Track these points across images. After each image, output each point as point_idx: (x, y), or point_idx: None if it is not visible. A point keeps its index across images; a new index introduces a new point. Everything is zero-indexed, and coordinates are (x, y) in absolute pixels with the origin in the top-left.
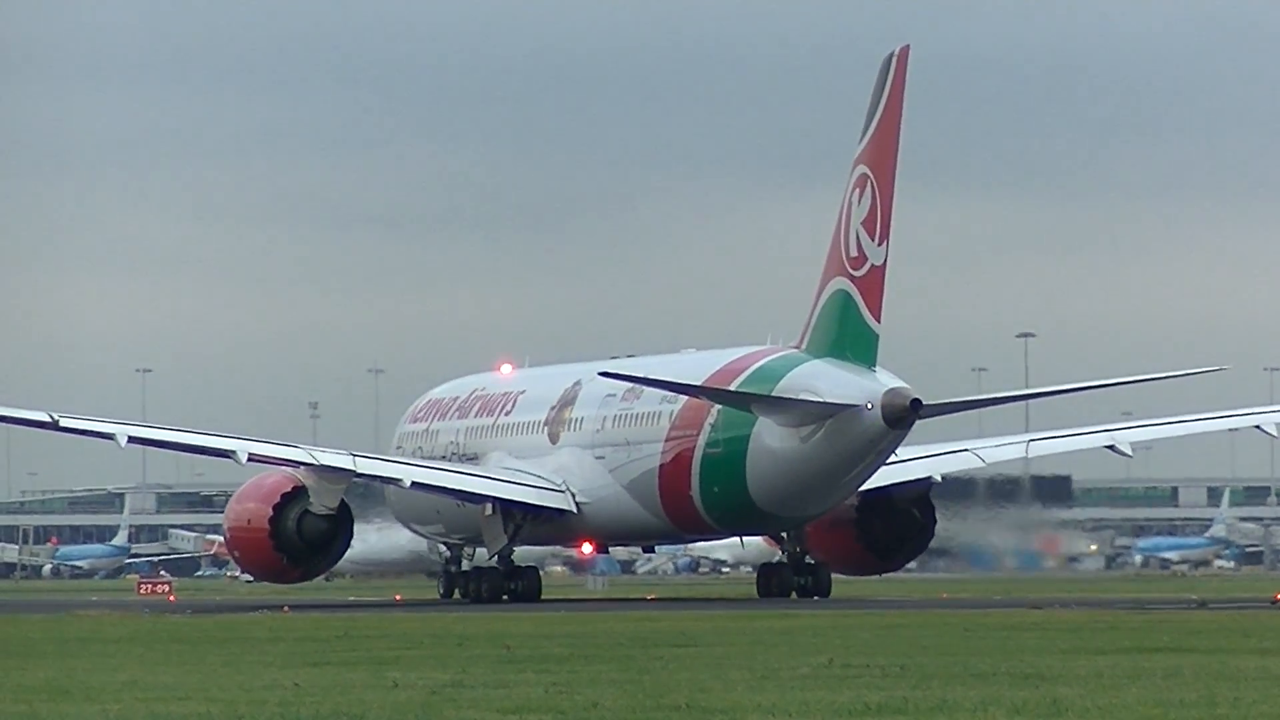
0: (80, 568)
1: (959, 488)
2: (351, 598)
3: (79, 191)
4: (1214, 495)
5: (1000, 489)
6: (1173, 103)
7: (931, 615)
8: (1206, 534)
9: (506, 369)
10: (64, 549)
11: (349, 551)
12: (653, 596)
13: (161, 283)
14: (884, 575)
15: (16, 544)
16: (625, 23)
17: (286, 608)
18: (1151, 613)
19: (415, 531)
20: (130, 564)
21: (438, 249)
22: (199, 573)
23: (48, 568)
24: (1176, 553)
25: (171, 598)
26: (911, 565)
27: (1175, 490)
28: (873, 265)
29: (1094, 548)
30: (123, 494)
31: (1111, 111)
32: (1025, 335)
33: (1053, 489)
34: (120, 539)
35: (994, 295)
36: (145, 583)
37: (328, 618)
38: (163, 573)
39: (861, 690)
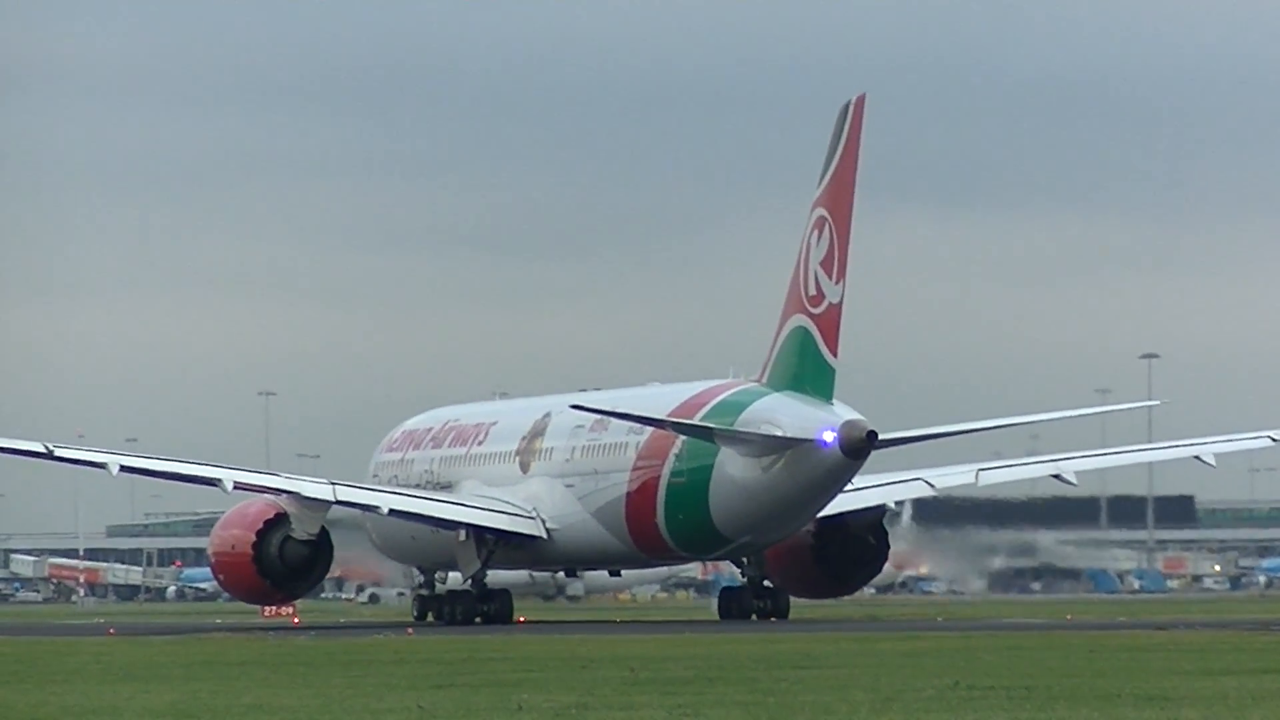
0: (204, 590)
1: (1078, 508)
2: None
3: (196, 216)
4: None
5: (1120, 509)
6: None
7: (1055, 636)
8: None
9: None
10: (188, 571)
11: None
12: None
13: (283, 306)
14: (841, 598)
15: (141, 566)
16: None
17: (410, 629)
18: (1276, 634)
19: (391, 557)
20: None
21: (562, 270)
22: (322, 595)
23: (172, 590)
24: None
25: (295, 620)
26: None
27: None
28: (830, 303)
29: (1218, 568)
30: None
31: (1242, 128)
32: (1149, 356)
33: (1176, 510)
34: None
35: (1118, 315)
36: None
37: (451, 639)
38: None
39: (986, 712)
